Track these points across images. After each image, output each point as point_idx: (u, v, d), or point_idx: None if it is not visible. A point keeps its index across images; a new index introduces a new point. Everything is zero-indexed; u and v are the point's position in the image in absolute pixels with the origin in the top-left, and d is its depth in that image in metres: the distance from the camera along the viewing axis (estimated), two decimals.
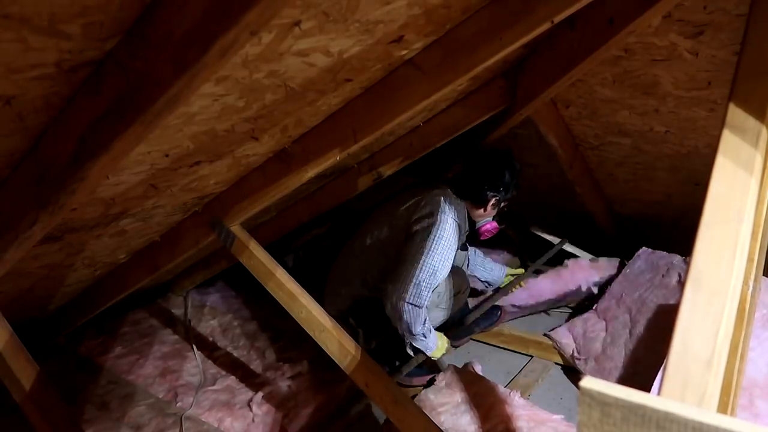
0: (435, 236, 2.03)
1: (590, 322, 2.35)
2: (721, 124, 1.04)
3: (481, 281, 2.67)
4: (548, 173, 2.73)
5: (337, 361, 1.83)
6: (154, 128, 0.86)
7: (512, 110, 2.12)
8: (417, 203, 2.14)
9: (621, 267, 2.60)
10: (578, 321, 2.38)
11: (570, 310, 2.75)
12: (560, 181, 2.66)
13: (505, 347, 2.54)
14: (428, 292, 2.00)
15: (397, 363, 2.24)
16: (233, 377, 2.28)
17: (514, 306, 2.61)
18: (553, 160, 2.52)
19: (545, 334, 2.44)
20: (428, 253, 2.00)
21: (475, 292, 2.67)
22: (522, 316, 2.71)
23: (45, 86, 0.80)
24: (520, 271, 2.74)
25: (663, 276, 2.30)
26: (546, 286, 2.58)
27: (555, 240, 2.95)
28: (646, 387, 0.94)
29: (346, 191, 2.43)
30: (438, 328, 2.20)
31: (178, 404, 2.12)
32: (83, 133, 0.86)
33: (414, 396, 2.05)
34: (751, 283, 1.01)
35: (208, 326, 2.65)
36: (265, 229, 2.50)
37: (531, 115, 2.20)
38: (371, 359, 1.80)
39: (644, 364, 2.04)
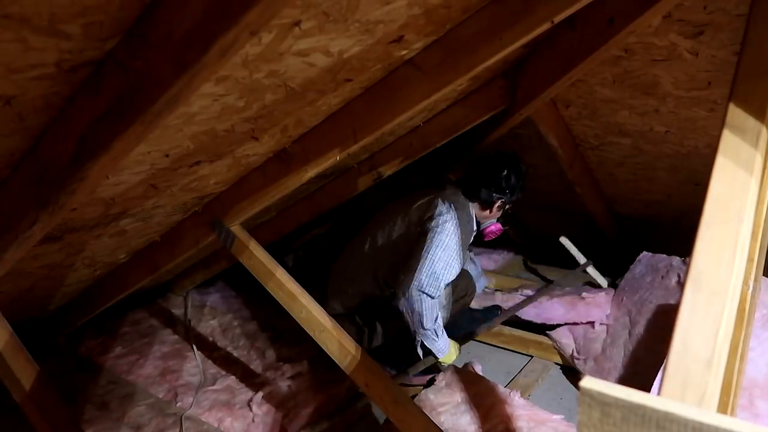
0: (449, 232, 2.07)
1: None
2: (721, 124, 1.04)
3: None
4: (548, 173, 2.73)
5: (337, 361, 1.83)
6: (154, 128, 0.86)
7: (512, 110, 2.12)
8: (430, 201, 2.18)
9: None
10: None
11: None
12: (560, 181, 2.66)
13: (505, 347, 2.54)
14: (441, 284, 2.02)
15: (403, 367, 2.23)
16: (233, 377, 2.28)
17: (518, 316, 2.59)
18: (553, 160, 2.52)
19: (545, 334, 2.44)
20: (443, 247, 2.03)
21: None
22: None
23: (45, 86, 0.80)
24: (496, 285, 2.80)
25: (662, 277, 2.30)
26: (558, 311, 2.48)
27: (581, 258, 2.83)
28: (646, 387, 0.94)
29: (346, 191, 2.44)
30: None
31: (178, 404, 2.12)
32: (83, 133, 0.86)
33: (414, 396, 2.05)
34: (751, 283, 1.01)
35: (208, 326, 2.65)
36: (265, 229, 2.50)
37: (531, 115, 2.20)
38: (371, 359, 1.80)
39: (644, 364, 2.04)
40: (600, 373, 2.13)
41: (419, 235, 2.12)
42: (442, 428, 1.69)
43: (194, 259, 2.47)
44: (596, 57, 1.66)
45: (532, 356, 2.44)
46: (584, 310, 2.41)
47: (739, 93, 1.06)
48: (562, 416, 1.91)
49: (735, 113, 1.04)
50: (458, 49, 1.28)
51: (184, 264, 2.44)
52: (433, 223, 2.09)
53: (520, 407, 1.91)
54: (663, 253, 2.43)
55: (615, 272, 2.91)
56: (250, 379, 2.28)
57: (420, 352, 2.11)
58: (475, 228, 2.29)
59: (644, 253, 2.50)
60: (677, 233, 2.51)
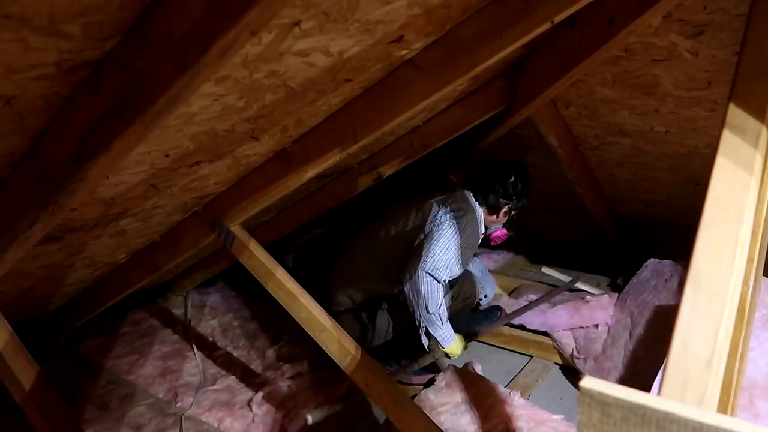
0: (462, 227, 2.13)
1: None
2: (721, 124, 1.04)
3: None
4: (548, 173, 2.73)
5: (337, 361, 1.83)
6: (154, 128, 0.86)
7: (512, 110, 2.12)
8: (445, 199, 2.25)
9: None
10: None
11: None
12: (560, 181, 2.66)
13: (505, 347, 2.54)
14: (447, 270, 2.07)
15: (407, 360, 2.23)
16: (233, 377, 2.28)
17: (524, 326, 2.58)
18: (553, 160, 2.52)
19: (545, 334, 2.44)
20: (454, 239, 2.10)
21: None
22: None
23: (45, 86, 0.80)
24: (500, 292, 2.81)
25: (666, 280, 2.30)
26: (562, 317, 2.47)
27: (566, 278, 2.89)
28: (646, 387, 0.94)
29: (346, 191, 2.44)
30: None
31: (178, 404, 2.12)
32: (83, 133, 0.86)
33: (414, 396, 2.05)
34: (751, 283, 1.01)
35: (208, 326, 2.65)
36: (265, 229, 2.50)
37: (531, 115, 2.20)
38: (371, 359, 1.80)
39: (644, 364, 2.04)
40: (600, 373, 2.13)
41: (432, 228, 2.17)
42: (442, 428, 1.69)
43: (194, 259, 2.47)
44: (596, 57, 1.66)
45: (532, 356, 2.44)
46: (588, 313, 2.42)
47: (739, 93, 1.06)
48: (562, 416, 1.91)
49: (735, 113, 1.04)
50: (458, 49, 1.28)
51: (184, 264, 2.44)
52: (446, 217, 2.16)
53: (520, 407, 1.91)
54: (663, 253, 2.43)
55: (615, 272, 2.91)
56: (250, 379, 2.28)
57: (424, 339, 2.11)
58: (483, 231, 2.33)
59: (651, 259, 2.50)
60: (677, 233, 2.50)
